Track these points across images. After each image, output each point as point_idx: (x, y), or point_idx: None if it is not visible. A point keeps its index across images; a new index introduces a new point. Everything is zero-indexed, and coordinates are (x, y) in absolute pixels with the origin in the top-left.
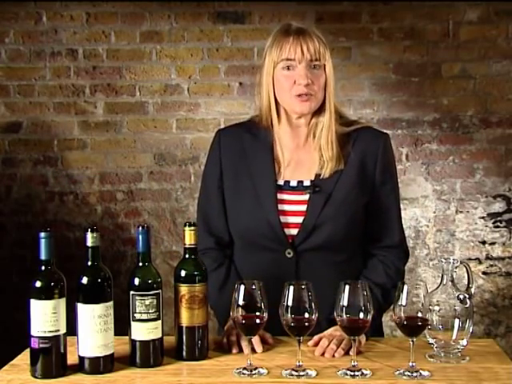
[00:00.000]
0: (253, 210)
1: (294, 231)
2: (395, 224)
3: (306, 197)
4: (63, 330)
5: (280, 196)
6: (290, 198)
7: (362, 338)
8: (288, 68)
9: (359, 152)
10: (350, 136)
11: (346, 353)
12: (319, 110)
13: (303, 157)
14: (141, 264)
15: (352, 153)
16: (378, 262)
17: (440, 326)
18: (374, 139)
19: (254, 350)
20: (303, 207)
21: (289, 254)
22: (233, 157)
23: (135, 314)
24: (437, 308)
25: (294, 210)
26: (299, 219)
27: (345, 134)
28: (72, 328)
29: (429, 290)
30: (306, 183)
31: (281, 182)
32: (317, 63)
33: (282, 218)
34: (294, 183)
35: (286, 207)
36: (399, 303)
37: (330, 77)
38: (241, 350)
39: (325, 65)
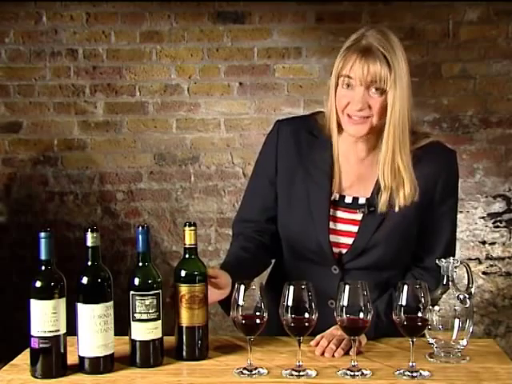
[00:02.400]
0: (304, 224)
1: (343, 250)
2: (441, 247)
3: (359, 216)
4: (63, 330)
5: (333, 212)
6: (343, 215)
7: (363, 338)
8: (348, 86)
9: (422, 173)
10: (416, 155)
11: (346, 353)
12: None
13: (361, 172)
14: (141, 264)
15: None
16: (412, 278)
17: (440, 326)
18: (439, 158)
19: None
20: (355, 228)
21: (335, 270)
22: (289, 153)
23: (135, 314)
24: (437, 308)
25: (345, 230)
26: (349, 240)
27: (411, 152)
28: (72, 328)
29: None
30: (361, 201)
31: (335, 196)
32: (377, 86)
33: (333, 238)
34: (349, 199)
35: (339, 226)
36: (399, 303)
37: (393, 102)
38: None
39: (387, 90)
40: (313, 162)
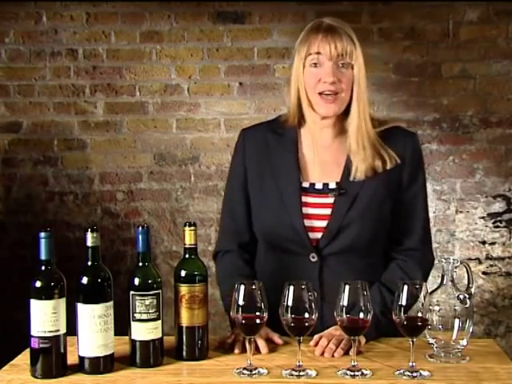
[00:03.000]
0: (277, 213)
1: (319, 235)
2: (418, 227)
3: (331, 200)
4: (63, 330)
5: (304, 199)
6: (314, 200)
7: (362, 338)
8: (315, 65)
9: None
10: (379, 137)
11: (346, 353)
12: (346, 111)
13: (329, 158)
14: (141, 264)
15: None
16: (397, 268)
17: (440, 326)
18: (402, 140)
19: (258, 351)
20: (328, 211)
21: (313, 257)
22: (257, 157)
23: (135, 314)
24: (437, 308)
25: (318, 214)
26: (324, 223)
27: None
28: (72, 328)
29: (429, 290)
30: (332, 185)
31: (306, 185)
32: (344, 62)
33: (307, 222)
34: (319, 186)
35: (311, 210)
36: (399, 303)
37: (358, 77)
38: (244, 351)
39: (353, 64)
40: (280, 157)
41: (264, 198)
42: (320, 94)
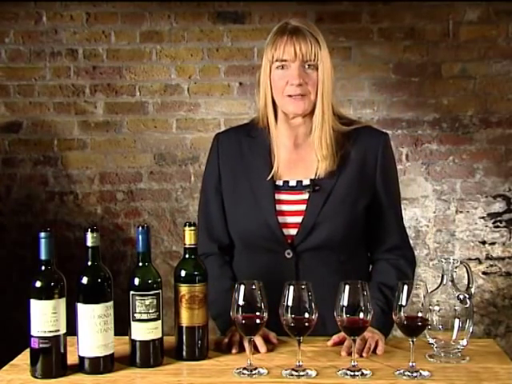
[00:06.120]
0: (251, 211)
1: (293, 231)
2: (397, 225)
3: (306, 196)
4: (63, 330)
5: (278, 196)
6: (288, 197)
7: (381, 338)
8: (282, 67)
9: (359, 152)
10: (350, 135)
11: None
12: (314, 110)
13: (301, 156)
14: (141, 264)
15: (352, 152)
16: (391, 267)
17: (440, 326)
18: (374, 139)
19: (257, 350)
20: (302, 207)
21: (288, 254)
22: (231, 160)
23: (135, 314)
24: (437, 308)
25: (292, 210)
26: (298, 219)
27: (345, 133)
28: (72, 328)
29: (429, 290)
30: (306, 182)
31: (279, 183)
32: (310, 63)
33: (281, 219)
34: (293, 183)
35: (285, 207)
36: (399, 303)
37: (323, 77)
38: (241, 351)
39: (318, 66)
40: (253, 158)
41: (237, 199)
42: (289, 96)
